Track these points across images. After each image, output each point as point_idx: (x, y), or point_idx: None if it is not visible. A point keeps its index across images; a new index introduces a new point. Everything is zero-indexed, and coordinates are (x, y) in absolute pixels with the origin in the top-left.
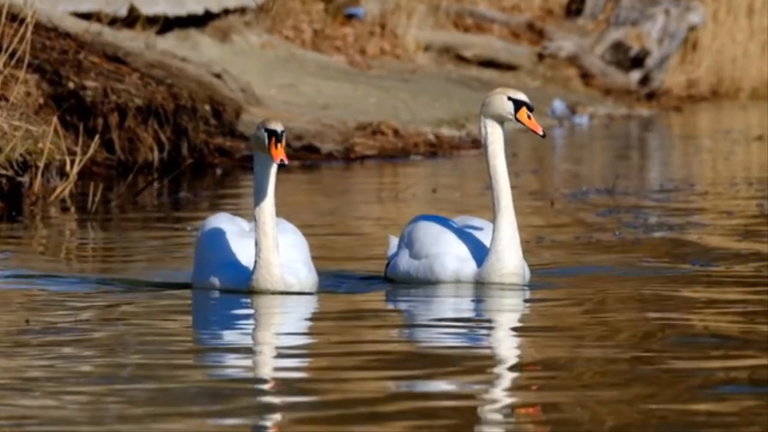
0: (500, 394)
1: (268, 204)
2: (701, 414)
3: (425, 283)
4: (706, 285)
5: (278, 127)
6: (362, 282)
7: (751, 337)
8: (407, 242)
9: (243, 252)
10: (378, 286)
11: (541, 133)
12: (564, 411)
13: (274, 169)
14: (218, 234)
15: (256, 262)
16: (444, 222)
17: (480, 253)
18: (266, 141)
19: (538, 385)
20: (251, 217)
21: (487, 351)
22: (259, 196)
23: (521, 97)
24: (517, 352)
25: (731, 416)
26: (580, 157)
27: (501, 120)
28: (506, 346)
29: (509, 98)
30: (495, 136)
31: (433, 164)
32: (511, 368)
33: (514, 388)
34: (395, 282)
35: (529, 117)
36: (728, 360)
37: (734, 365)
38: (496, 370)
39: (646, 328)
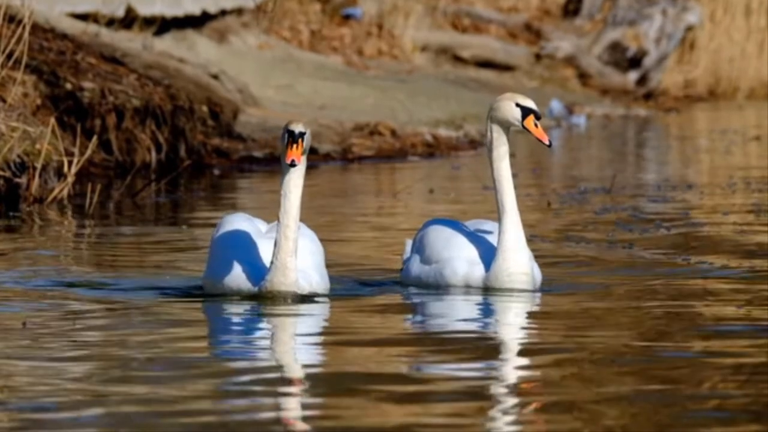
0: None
1: (293, 207)
2: None
3: (436, 288)
4: (707, 284)
5: (296, 128)
6: (374, 287)
7: (748, 338)
8: (419, 247)
9: (257, 254)
10: (389, 291)
11: (547, 142)
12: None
13: (300, 171)
14: (233, 234)
15: (272, 263)
16: (455, 226)
17: (491, 257)
18: (284, 141)
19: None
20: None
21: (489, 372)
22: (285, 198)
23: (529, 104)
24: (519, 372)
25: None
26: (577, 157)
27: (507, 126)
28: (509, 365)
29: (517, 105)
30: (500, 141)
31: (431, 165)
32: (512, 392)
33: (517, 413)
34: (408, 286)
35: (536, 125)
36: (735, 379)
37: (738, 378)
38: (497, 394)
39: (650, 338)
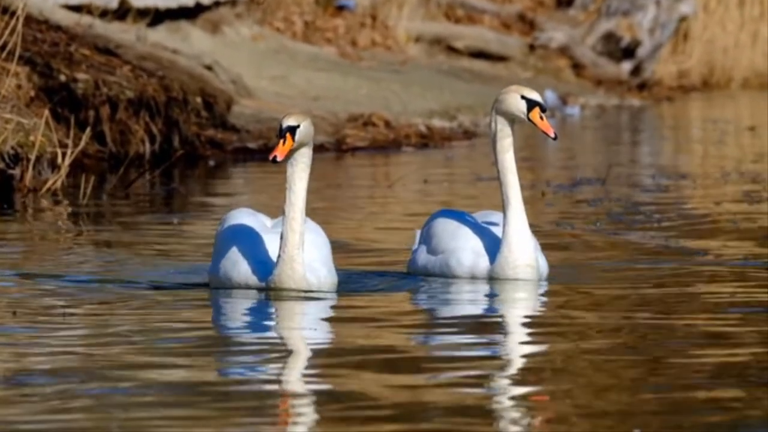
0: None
1: (299, 200)
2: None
3: (442, 278)
4: (701, 274)
5: (285, 122)
6: (381, 278)
7: (743, 326)
8: (425, 237)
9: (263, 248)
10: (397, 284)
11: (553, 135)
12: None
13: (305, 164)
14: (238, 229)
15: (279, 257)
16: (463, 217)
17: (496, 248)
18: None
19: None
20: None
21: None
22: (290, 191)
23: (535, 97)
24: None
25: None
26: (571, 148)
27: (513, 118)
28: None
29: (523, 97)
30: (505, 133)
31: (425, 155)
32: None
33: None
34: (414, 277)
35: (541, 118)
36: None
37: (730, 360)
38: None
39: (644, 329)
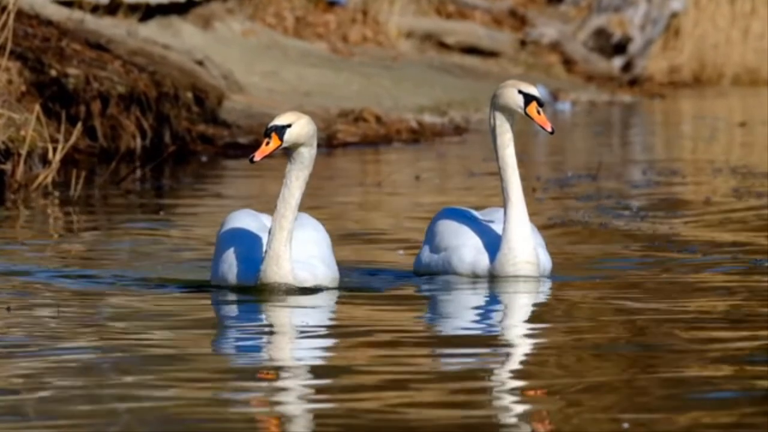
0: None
1: (292, 197)
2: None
3: (444, 276)
4: (692, 272)
5: (272, 122)
6: (386, 276)
7: (739, 322)
8: (430, 235)
9: (260, 248)
10: (401, 281)
11: (550, 129)
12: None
13: (304, 162)
14: (236, 230)
15: (266, 252)
16: (467, 215)
17: (498, 246)
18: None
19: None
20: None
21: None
22: (285, 187)
23: (532, 91)
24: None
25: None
26: (562, 144)
27: (510, 113)
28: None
29: (520, 91)
30: (504, 128)
31: (416, 151)
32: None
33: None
34: (419, 275)
35: (538, 112)
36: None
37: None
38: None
39: (639, 326)
